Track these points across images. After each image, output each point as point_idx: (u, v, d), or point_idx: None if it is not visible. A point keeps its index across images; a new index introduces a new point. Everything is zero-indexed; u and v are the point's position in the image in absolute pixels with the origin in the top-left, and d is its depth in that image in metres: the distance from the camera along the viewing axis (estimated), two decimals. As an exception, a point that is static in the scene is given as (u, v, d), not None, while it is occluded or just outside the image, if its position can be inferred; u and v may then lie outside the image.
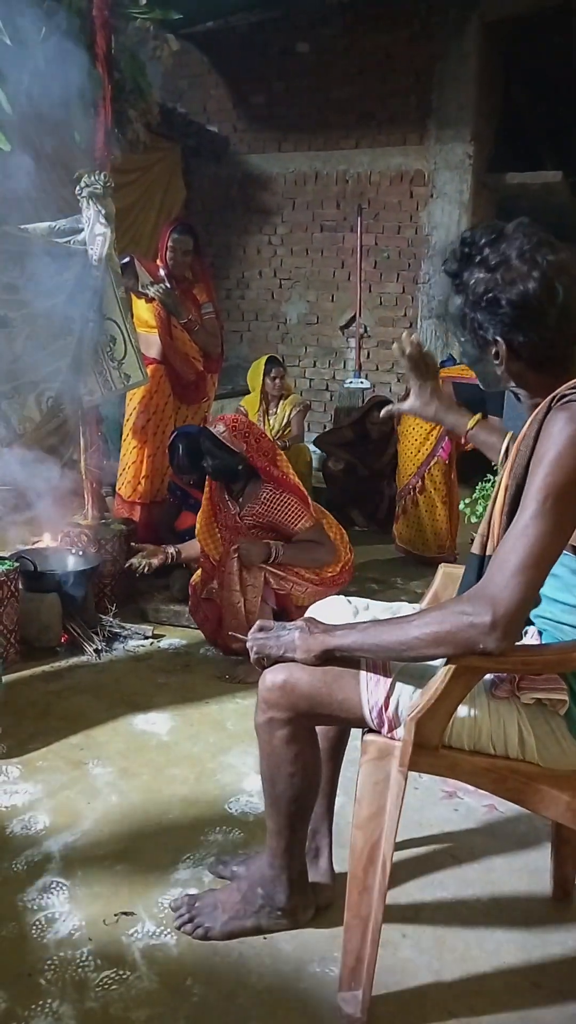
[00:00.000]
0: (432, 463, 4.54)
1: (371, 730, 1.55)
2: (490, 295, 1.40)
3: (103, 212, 3.26)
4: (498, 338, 1.43)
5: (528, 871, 1.98)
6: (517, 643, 1.36)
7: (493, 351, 1.45)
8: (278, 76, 7.15)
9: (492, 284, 1.40)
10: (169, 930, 1.75)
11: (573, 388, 1.33)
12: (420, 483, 4.58)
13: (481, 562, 1.43)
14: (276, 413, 5.17)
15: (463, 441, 1.84)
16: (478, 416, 1.82)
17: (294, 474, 3.10)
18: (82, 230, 3.28)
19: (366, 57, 6.82)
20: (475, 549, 1.46)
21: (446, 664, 1.38)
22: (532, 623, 1.51)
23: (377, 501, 5.28)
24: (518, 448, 1.38)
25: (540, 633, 1.49)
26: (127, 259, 3.79)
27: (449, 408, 1.84)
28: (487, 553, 1.42)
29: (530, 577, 1.28)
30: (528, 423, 1.38)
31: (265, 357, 5.29)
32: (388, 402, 5.32)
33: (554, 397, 1.33)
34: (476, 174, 6.79)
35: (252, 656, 1.60)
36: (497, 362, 1.46)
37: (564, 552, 1.35)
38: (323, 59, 6.96)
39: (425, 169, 6.81)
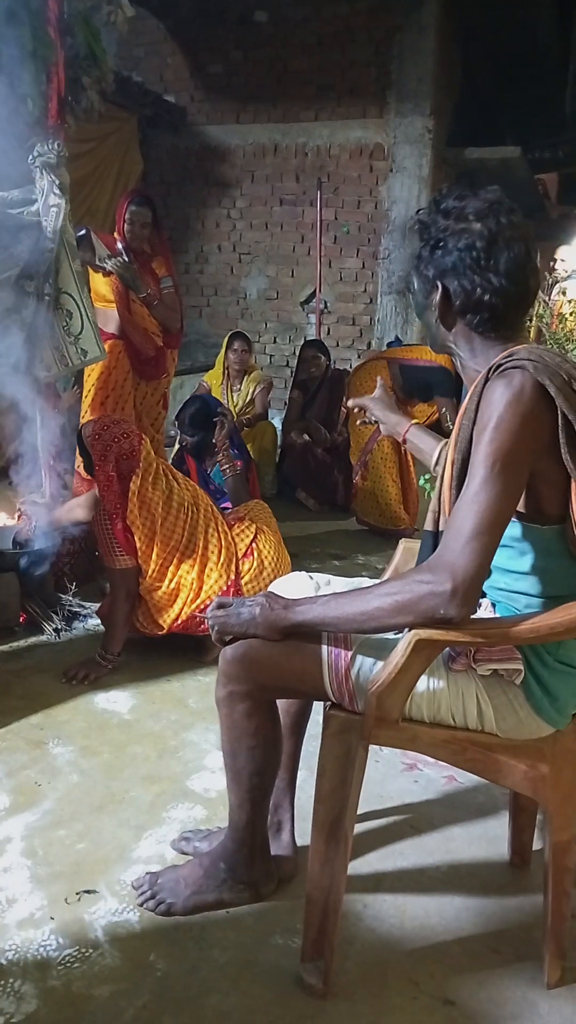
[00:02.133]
0: (380, 436, 4.56)
1: (333, 705, 1.56)
2: (440, 237, 1.47)
3: (57, 183, 3.18)
4: (437, 281, 1.48)
5: (487, 839, 2.01)
6: (472, 616, 1.37)
7: (433, 298, 1.50)
8: (236, 45, 7.04)
9: (444, 228, 1.47)
10: (132, 907, 1.75)
11: (508, 357, 1.36)
12: (370, 457, 4.61)
13: (435, 538, 1.45)
14: (240, 390, 5.14)
15: (402, 440, 1.93)
16: (413, 422, 1.94)
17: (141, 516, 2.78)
18: (35, 201, 3.20)
19: (325, 27, 6.74)
20: (428, 525, 1.48)
21: (406, 636, 1.38)
22: (484, 595, 1.52)
23: (332, 486, 5.26)
24: (460, 421, 1.41)
25: (493, 605, 1.51)
26: (83, 231, 3.71)
27: (390, 410, 1.97)
28: (440, 529, 1.43)
29: (485, 542, 1.30)
30: (468, 396, 1.41)
31: (232, 332, 5.25)
32: (319, 343, 5.32)
33: (491, 368, 1.37)
34: (435, 148, 6.77)
35: (212, 633, 1.59)
36: (433, 309, 1.51)
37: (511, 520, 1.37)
38: (282, 29, 6.86)
39: (385, 143, 6.78)
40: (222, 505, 3.26)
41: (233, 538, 2.92)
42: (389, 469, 4.64)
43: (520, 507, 1.39)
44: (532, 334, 3.68)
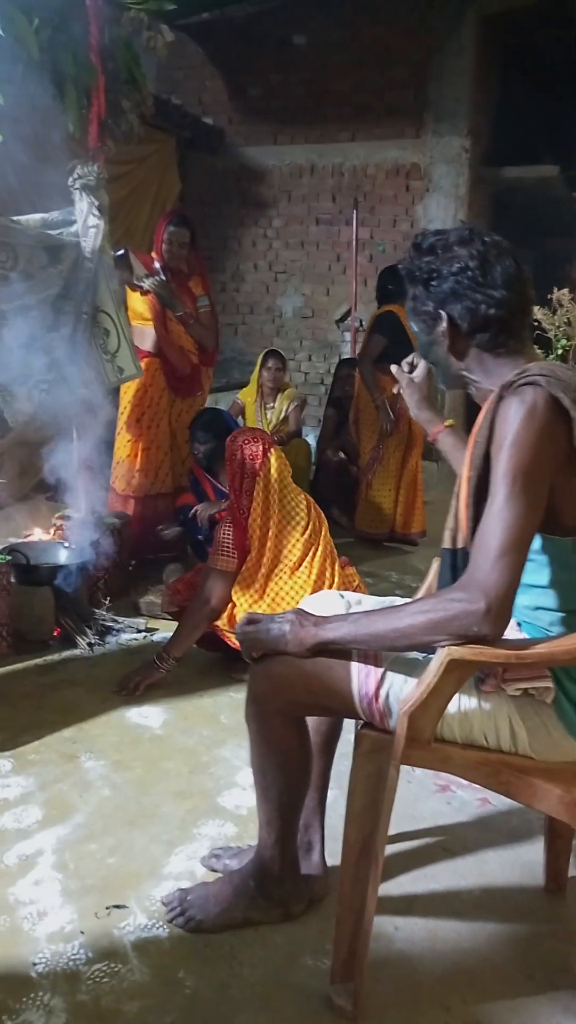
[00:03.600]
0: (385, 448, 4.76)
1: (365, 724, 1.55)
2: (431, 270, 1.51)
3: (96, 204, 3.25)
4: (440, 311, 1.52)
5: (521, 864, 1.98)
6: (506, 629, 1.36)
7: (439, 330, 1.53)
8: (275, 68, 7.11)
9: (433, 262, 1.52)
10: (161, 923, 1.75)
11: (520, 374, 1.37)
12: (380, 466, 4.78)
13: (454, 556, 1.45)
14: (274, 407, 5.16)
15: (431, 439, 1.87)
16: (450, 421, 1.88)
17: (261, 525, 2.77)
18: (75, 222, 3.27)
19: (364, 50, 6.79)
20: (446, 543, 1.48)
21: (439, 658, 1.37)
22: None
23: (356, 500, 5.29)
24: (474, 439, 1.41)
25: (519, 625, 1.50)
26: (121, 251, 3.77)
27: (425, 404, 1.87)
28: (458, 546, 1.43)
29: (514, 558, 1.30)
30: (482, 413, 1.42)
31: (267, 350, 5.29)
32: (354, 361, 5.34)
33: (504, 385, 1.38)
34: (472, 168, 6.77)
35: (242, 649, 1.59)
36: (441, 341, 1.53)
37: None
38: (320, 51, 6.93)
39: (421, 162, 6.79)
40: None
41: (344, 579, 2.85)
42: (391, 478, 4.81)
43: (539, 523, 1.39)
44: (571, 353, 3.66)
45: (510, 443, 1.32)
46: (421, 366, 1.87)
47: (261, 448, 2.78)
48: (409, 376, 1.86)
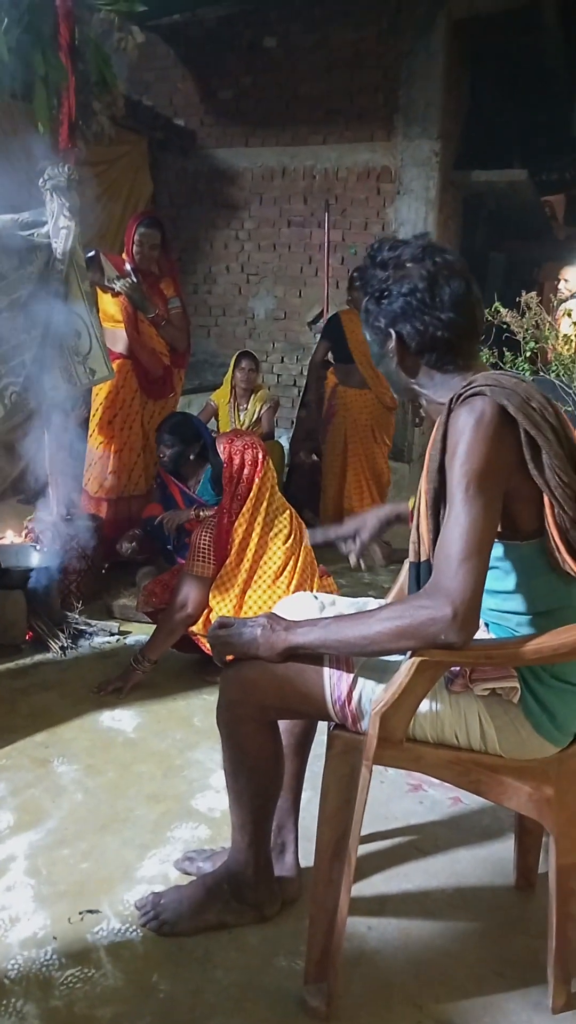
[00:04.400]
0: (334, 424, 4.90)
1: (338, 725, 1.56)
2: (383, 287, 1.53)
3: (67, 205, 3.22)
4: (390, 329, 1.54)
5: (492, 862, 2.00)
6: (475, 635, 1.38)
7: (389, 346, 1.55)
8: (246, 71, 7.11)
9: (385, 279, 1.53)
10: (135, 927, 1.74)
11: (467, 386, 1.40)
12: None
13: (418, 569, 1.47)
14: (247, 409, 5.16)
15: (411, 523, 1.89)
16: (413, 499, 1.89)
17: (246, 530, 2.79)
18: (46, 223, 3.24)
19: (334, 53, 6.81)
20: (411, 557, 1.50)
21: (410, 659, 1.39)
22: None
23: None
24: (429, 452, 1.44)
25: (487, 625, 1.52)
26: (92, 253, 3.75)
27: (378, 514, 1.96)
28: (421, 559, 1.45)
29: (475, 563, 1.32)
30: (435, 428, 1.45)
31: (239, 351, 5.29)
32: (328, 363, 5.32)
33: (452, 398, 1.41)
34: (443, 171, 6.82)
35: (213, 653, 1.60)
36: (391, 356, 1.56)
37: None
38: (291, 54, 6.94)
39: (392, 166, 6.83)
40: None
41: (322, 590, 2.85)
42: (335, 478, 4.95)
43: (498, 522, 1.41)
44: (539, 356, 3.70)
45: (462, 451, 1.35)
46: (356, 545, 1.94)
47: (261, 455, 2.80)
48: (359, 547, 1.93)
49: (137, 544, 3.53)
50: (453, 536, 1.33)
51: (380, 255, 1.56)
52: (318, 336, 7.13)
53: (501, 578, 1.46)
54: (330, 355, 5.07)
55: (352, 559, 1.97)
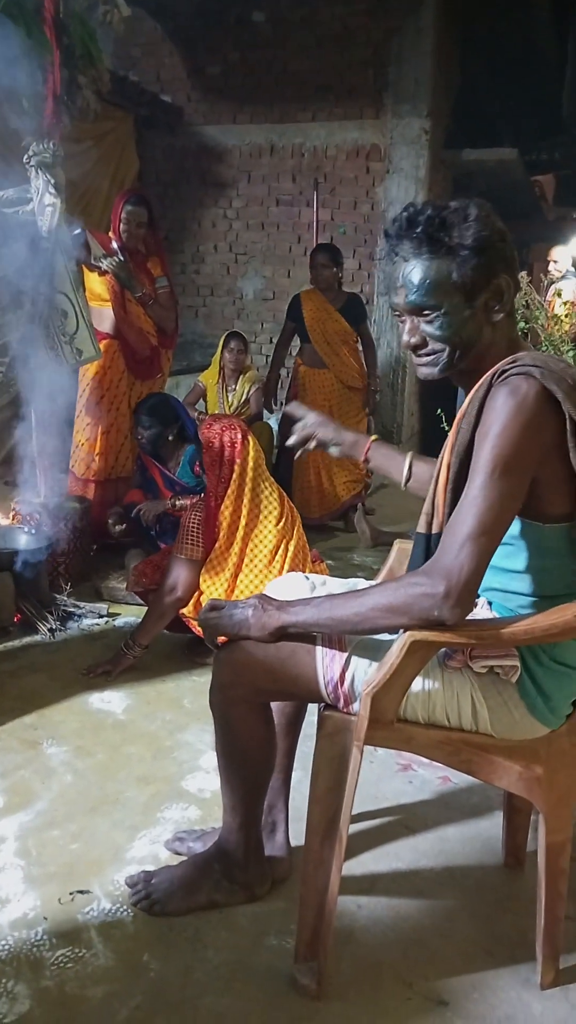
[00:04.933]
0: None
1: (328, 705, 1.56)
2: (479, 237, 1.40)
3: (52, 182, 3.17)
4: (491, 280, 1.43)
5: (481, 840, 2.01)
6: (469, 616, 1.37)
7: (480, 299, 1.43)
8: (233, 46, 7.02)
9: (480, 230, 1.41)
10: (125, 907, 1.75)
11: (511, 363, 1.36)
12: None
13: (427, 540, 1.44)
14: (235, 390, 5.13)
15: (363, 458, 1.79)
16: (374, 436, 1.83)
17: (233, 512, 2.74)
18: (31, 200, 3.20)
19: (323, 29, 6.72)
20: (420, 528, 1.47)
21: (401, 638, 1.38)
22: (480, 594, 1.52)
23: None
24: (458, 425, 1.40)
25: (489, 603, 1.51)
26: (78, 231, 3.70)
27: (341, 429, 1.83)
28: (432, 531, 1.43)
29: (482, 546, 1.30)
30: (468, 400, 1.41)
31: (228, 332, 5.25)
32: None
33: (494, 373, 1.36)
34: (432, 150, 6.77)
35: (205, 636, 1.59)
36: (495, 305, 1.44)
37: None
38: (279, 30, 6.85)
39: (381, 144, 6.77)
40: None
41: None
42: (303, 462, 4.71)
43: (518, 510, 1.39)
44: (528, 337, 3.69)
45: (496, 432, 1.31)
46: (307, 415, 1.84)
47: (240, 435, 2.77)
48: (310, 422, 1.83)
49: (123, 520, 3.49)
50: (466, 516, 1.31)
51: (447, 209, 1.44)
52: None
53: (513, 556, 1.44)
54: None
55: (291, 439, 1.85)
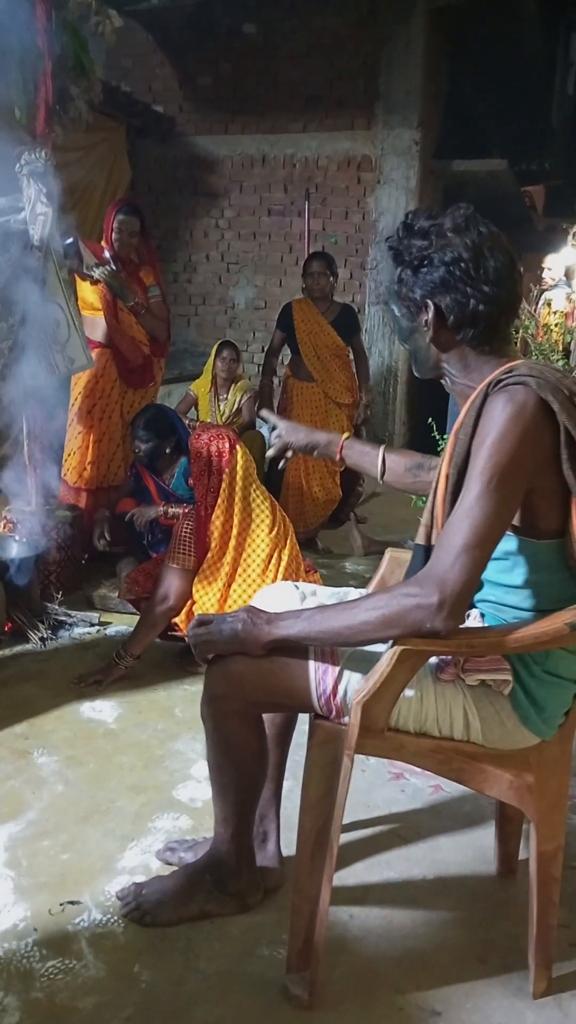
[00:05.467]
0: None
1: (319, 715, 1.55)
2: (423, 255, 1.46)
3: (44, 191, 3.18)
4: (428, 300, 1.47)
5: (473, 849, 2.01)
6: (461, 625, 1.37)
7: (423, 319, 1.49)
8: (225, 57, 7.06)
9: (425, 247, 1.46)
10: (116, 918, 1.74)
11: (507, 373, 1.36)
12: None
13: (426, 551, 1.44)
14: (227, 399, 5.14)
15: (338, 457, 1.84)
16: (346, 434, 1.88)
17: (224, 522, 2.77)
18: (23, 209, 3.20)
19: (313, 39, 6.77)
20: (419, 539, 1.48)
21: (391, 647, 1.38)
22: (474, 606, 1.52)
23: None
24: (456, 436, 1.40)
25: (483, 616, 1.51)
26: (71, 240, 3.70)
27: (311, 432, 1.87)
28: (432, 543, 1.43)
29: (475, 557, 1.30)
30: (464, 411, 1.40)
31: (220, 341, 5.25)
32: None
33: (490, 383, 1.36)
34: (423, 160, 6.81)
35: (195, 651, 1.58)
36: (424, 330, 1.50)
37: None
38: (270, 40, 6.90)
39: (372, 154, 6.81)
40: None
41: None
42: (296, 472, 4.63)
43: (516, 521, 1.39)
44: (518, 345, 3.71)
45: (492, 442, 1.31)
46: (278, 423, 1.90)
47: (228, 444, 2.77)
48: (281, 431, 1.88)
49: (108, 531, 3.44)
50: (461, 526, 1.30)
51: (418, 223, 1.48)
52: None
53: (508, 571, 1.44)
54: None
55: (269, 451, 1.91)
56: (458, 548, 1.29)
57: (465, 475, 1.35)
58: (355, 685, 1.48)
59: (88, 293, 3.87)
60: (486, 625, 1.50)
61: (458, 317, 1.45)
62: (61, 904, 1.77)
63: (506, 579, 1.45)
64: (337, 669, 1.50)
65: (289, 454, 1.89)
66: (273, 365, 4.95)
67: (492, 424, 1.32)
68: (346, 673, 1.49)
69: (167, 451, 3.27)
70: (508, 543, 1.39)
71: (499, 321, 1.46)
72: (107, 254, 3.90)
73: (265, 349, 5.11)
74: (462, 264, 1.42)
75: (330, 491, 4.69)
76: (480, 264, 1.42)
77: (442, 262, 1.43)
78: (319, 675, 1.50)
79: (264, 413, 2.06)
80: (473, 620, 1.50)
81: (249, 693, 1.55)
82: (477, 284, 1.42)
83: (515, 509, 1.35)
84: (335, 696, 1.49)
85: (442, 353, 1.51)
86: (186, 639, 2.74)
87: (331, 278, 4.67)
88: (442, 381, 1.57)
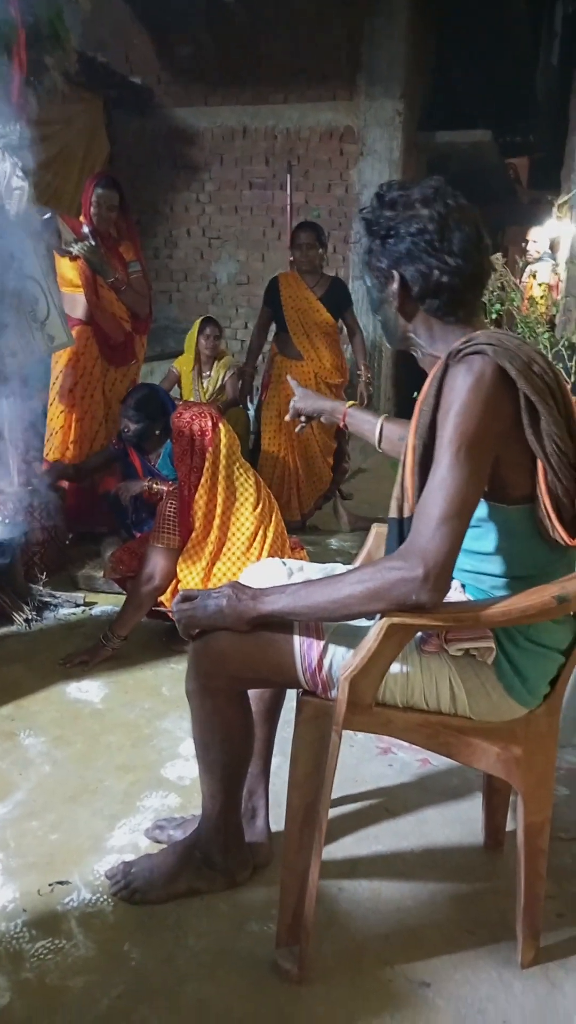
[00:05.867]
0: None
1: (307, 691, 1.55)
2: (390, 226, 1.48)
3: (20, 165, 3.12)
4: (393, 270, 1.49)
5: (461, 822, 2.02)
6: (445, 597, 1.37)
7: (390, 289, 1.51)
8: (204, 27, 6.92)
9: (393, 218, 1.48)
10: (105, 897, 1.74)
11: (467, 343, 1.36)
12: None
13: (400, 524, 1.44)
14: (210, 375, 5.10)
15: (342, 424, 1.91)
16: (351, 402, 1.92)
17: (208, 501, 2.77)
18: (-2, 184, 3.14)
19: (295, 9, 6.65)
20: (392, 513, 1.48)
21: (379, 622, 1.38)
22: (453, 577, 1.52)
23: None
24: (420, 407, 1.40)
25: (463, 586, 1.51)
26: (48, 215, 3.64)
27: (318, 398, 1.95)
28: (404, 515, 1.43)
29: (455, 526, 1.30)
30: (428, 381, 1.41)
31: (203, 317, 5.19)
32: None
33: (451, 353, 1.37)
34: (406, 132, 6.74)
35: (179, 627, 1.57)
36: (392, 300, 1.52)
37: None
38: (251, 10, 6.76)
39: (355, 126, 6.73)
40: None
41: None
42: (274, 439, 4.54)
43: (485, 487, 1.39)
44: (504, 317, 3.69)
45: (456, 411, 1.31)
46: (294, 386, 1.98)
47: (210, 423, 2.74)
48: (295, 401, 1.95)
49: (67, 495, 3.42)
50: (436, 497, 1.31)
51: (389, 195, 1.50)
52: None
53: (481, 538, 1.45)
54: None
55: (287, 416, 2.00)
56: (436, 519, 1.30)
57: (430, 447, 1.37)
58: (340, 659, 1.48)
59: (67, 270, 3.81)
60: (468, 596, 1.50)
61: (422, 288, 1.47)
62: (50, 884, 1.77)
63: (479, 546, 1.46)
64: (322, 643, 1.49)
65: (303, 419, 1.96)
66: (260, 345, 4.77)
67: (454, 395, 1.33)
68: (331, 647, 1.49)
69: (156, 432, 3.23)
70: (479, 509, 1.40)
71: (464, 293, 1.47)
72: (86, 229, 3.83)
73: (250, 325, 4.93)
74: (426, 236, 1.44)
75: (322, 474, 4.58)
76: (445, 236, 1.44)
77: (408, 233, 1.46)
78: (304, 649, 1.50)
79: (288, 381, 2.09)
80: (454, 592, 1.50)
81: (234, 669, 1.55)
82: (441, 256, 1.44)
83: (486, 476, 1.36)
84: (320, 670, 1.49)
85: (408, 323, 1.53)
86: (170, 615, 2.75)
87: (320, 249, 4.45)
88: (412, 352, 1.58)
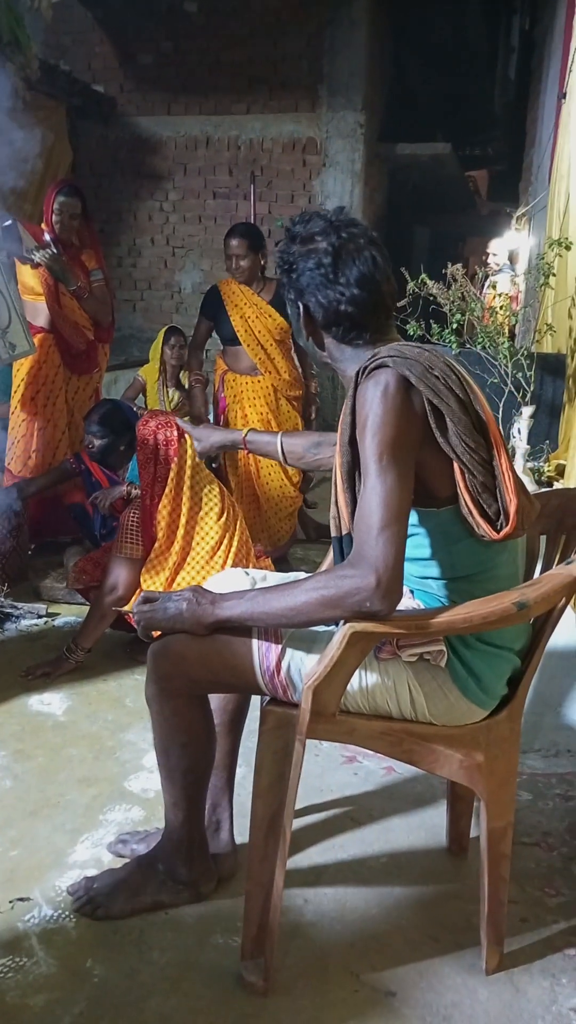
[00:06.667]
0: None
1: (271, 700, 1.54)
2: (291, 261, 1.55)
3: (-20, 171, 3.09)
4: (298, 302, 1.56)
5: (425, 829, 2.03)
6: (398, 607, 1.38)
7: (299, 320, 1.58)
8: (166, 35, 6.95)
9: (295, 253, 1.54)
10: (67, 913, 1.71)
11: (372, 359, 1.42)
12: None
13: (340, 542, 1.48)
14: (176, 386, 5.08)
15: (244, 449, 1.97)
16: (248, 428, 1.98)
17: (171, 511, 2.71)
18: (-42, 190, 3.11)
19: (256, 19, 6.70)
20: (332, 532, 1.51)
21: (341, 630, 1.38)
22: None
23: None
24: (340, 426, 1.45)
25: (412, 592, 1.52)
26: (9, 222, 3.61)
27: (211, 427, 2.03)
28: (343, 533, 1.46)
29: (394, 531, 1.33)
30: (345, 401, 1.45)
31: (167, 327, 5.17)
32: None
33: (358, 371, 1.43)
34: (368, 143, 6.81)
35: (139, 629, 1.57)
36: (303, 328, 1.59)
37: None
38: (212, 20, 6.80)
39: (317, 137, 6.78)
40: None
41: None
42: (238, 462, 3.85)
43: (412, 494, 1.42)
44: (465, 328, 3.73)
45: (372, 423, 1.36)
46: (191, 431, 2.02)
47: (176, 433, 2.72)
48: (196, 444, 2.00)
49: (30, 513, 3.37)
50: (371, 506, 1.33)
51: (294, 228, 1.57)
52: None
53: (420, 544, 1.47)
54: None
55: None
56: (376, 527, 1.32)
57: (354, 463, 1.41)
58: (298, 662, 1.49)
59: (29, 277, 3.78)
60: (418, 602, 1.51)
61: (324, 317, 1.54)
62: (10, 901, 1.74)
63: (419, 552, 1.48)
64: (280, 647, 1.50)
65: (212, 462, 2.01)
66: (199, 363, 4.23)
67: (367, 408, 1.37)
68: (289, 650, 1.50)
69: (121, 448, 3.21)
70: (412, 517, 1.43)
71: (364, 318, 1.52)
72: (47, 237, 3.81)
73: (215, 334, 4.41)
74: (321, 269, 1.51)
75: (289, 495, 3.99)
76: (340, 267, 1.50)
77: (306, 268, 1.52)
78: (262, 652, 1.50)
79: (180, 423, 2.15)
80: (405, 599, 1.51)
81: (193, 672, 1.54)
82: (336, 287, 1.50)
83: (412, 478, 1.39)
84: (279, 673, 1.49)
85: (320, 350, 1.60)
86: (132, 622, 2.73)
87: (256, 255, 3.87)
88: (339, 375, 1.63)
